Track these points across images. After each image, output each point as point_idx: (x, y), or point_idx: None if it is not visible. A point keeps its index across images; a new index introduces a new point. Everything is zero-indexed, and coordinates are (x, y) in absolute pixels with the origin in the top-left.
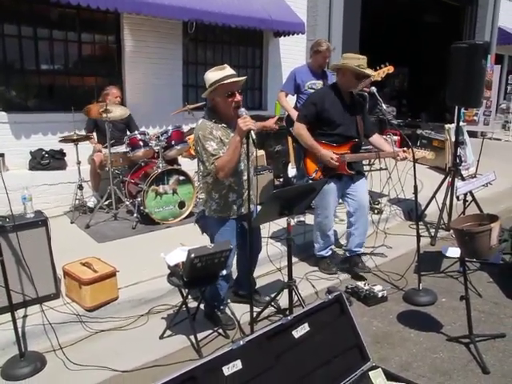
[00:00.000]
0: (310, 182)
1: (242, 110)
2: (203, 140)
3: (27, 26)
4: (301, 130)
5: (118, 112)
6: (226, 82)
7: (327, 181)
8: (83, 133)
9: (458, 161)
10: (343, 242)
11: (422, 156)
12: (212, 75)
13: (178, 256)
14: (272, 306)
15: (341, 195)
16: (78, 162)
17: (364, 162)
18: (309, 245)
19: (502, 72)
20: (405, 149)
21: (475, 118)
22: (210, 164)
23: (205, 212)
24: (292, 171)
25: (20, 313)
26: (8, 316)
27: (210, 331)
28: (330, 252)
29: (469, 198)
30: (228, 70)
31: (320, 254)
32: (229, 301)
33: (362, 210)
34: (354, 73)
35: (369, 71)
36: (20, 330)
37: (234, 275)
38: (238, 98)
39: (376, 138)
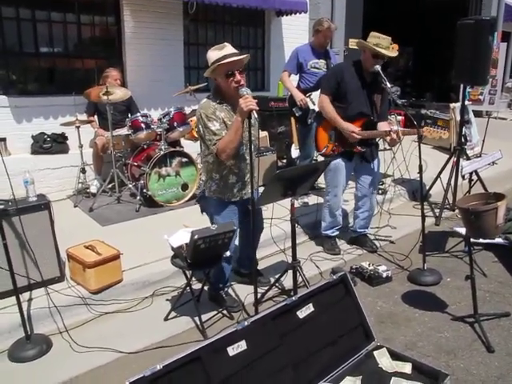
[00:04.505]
0: (320, 157)
1: (244, 89)
2: (206, 119)
3: (26, 8)
4: (324, 102)
5: (118, 94)
6: (224, 61)
7: (331, 161)
8: (84, 116)
9: (463, 140)
10: (348, 223)
11: (437, 136)
12: (212, 54)
13: (182, 238)
14: (276, 286)
15: (350, 175)
16: (81, 146)
17: None
18: (312, 226)
19: (509, 50)
20: (397, 129)
21: (480, 97)
22: (212, 144)
23: (205, 192)
24: (295, 152)
25: (25, 296)
26: (13, 299)
27: (215, 312)
28: (335, 233)
29: (474, 177)
30: (228, 49)
31: (326, 233)
32: (233, 282)
33: (370, 196)
34: (371, 51)
35: (387, 52)
36: (25, 312)
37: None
38: (238, 77)
39: (380, 125)
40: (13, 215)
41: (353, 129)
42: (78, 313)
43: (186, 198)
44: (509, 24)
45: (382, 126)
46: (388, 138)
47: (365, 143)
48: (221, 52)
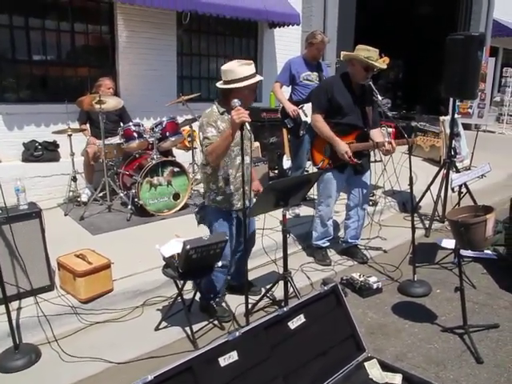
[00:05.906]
0: (315, 171)
1: (235, 100)
2: (205, 125)
3: (19, 16)
4: (317, 121)
5: (111, 103)
6: (257, 79)
7: (323, 172)
8: (76, 124)
9: (452, 153)
10: (339, 233)
11: (430, 145)
12: (242, 69)
13: (173, 247)
14: (267, 297)
15: (343, 187)
16: (72, 154)
17: None
18: (303, 237)
19: (497, 65)
20: (391, 140)
21: (469, 110)
22: (205, 146)
23: (204, 203)
24: (287, 163)
25: (14, 305)
26: (2, 308)
27: (206, 323)
28: (326, 244)
29: (463, 189)
30: (254, 67)
31: (317, 243)
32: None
33: (361, 206)
34: (363, 64)
35: (378, 64)
36: (14, 322)
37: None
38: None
39: (373, 132)
40: (3, 223)
41: (346, 149)
42: (68, 322)
43: (178, 208)
44: (497, 39)
45: (376, 136)
46: (383, 149)
47: (359, 154)
48: (251, 68)
